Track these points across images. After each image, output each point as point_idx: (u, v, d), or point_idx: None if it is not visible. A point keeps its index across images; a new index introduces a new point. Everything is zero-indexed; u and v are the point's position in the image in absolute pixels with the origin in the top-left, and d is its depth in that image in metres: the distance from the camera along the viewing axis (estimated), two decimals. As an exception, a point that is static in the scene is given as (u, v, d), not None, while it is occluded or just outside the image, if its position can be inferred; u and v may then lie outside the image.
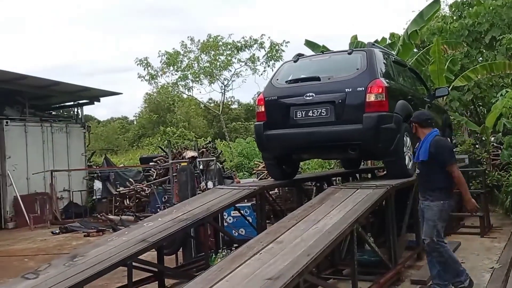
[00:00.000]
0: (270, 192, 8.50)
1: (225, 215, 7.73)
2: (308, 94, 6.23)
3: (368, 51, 6.44)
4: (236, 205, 7.09)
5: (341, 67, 6.57)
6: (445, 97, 12.16)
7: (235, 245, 6.72)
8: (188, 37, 25.75)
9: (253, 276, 3.64)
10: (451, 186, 5.01)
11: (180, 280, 5.99)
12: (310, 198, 7.86)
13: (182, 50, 24.63)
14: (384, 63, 6.58)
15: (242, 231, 8.17)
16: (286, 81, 6.70)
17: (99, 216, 13.31)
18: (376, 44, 6.96)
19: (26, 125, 14.31)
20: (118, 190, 14.77)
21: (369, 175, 9.49)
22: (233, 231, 7.98)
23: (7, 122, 13.74)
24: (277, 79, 6.86)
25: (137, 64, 24.21)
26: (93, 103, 16.86)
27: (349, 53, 6.58)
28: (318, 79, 6.37)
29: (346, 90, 6.03)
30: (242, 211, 7.90)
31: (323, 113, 6.17)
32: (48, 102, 17.05)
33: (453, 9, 15.24)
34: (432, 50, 11.58)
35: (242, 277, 3.67)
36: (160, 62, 24.42)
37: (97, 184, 15.47)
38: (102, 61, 71.43)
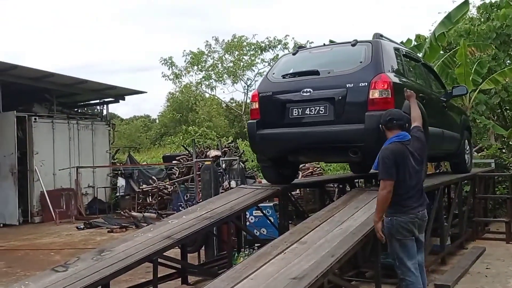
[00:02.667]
0: (292, 193, 8.51)
1: (247, 214, 7.78)
2: (305, 90, 5.66)
3: (374, 43, 5.81)
4: (258, 204, 7.13)
5: (343, 60, 5.95)
6: (471, 100, 12.03)
7: (257, 244, 6.77)
8: (212, 37, 26.02)
9: (278, 275, 3.68)
10: (401, 200, 4.25)
11: (203, 278, 6.07)
12: (332, 199, 7.87)
13: (207, 50, 24.83)
14: (392, 56, 5.94)
15: (263, 231, 8.20)
16: (282, 76, 6.11)
17: (122, 212, 13.50)
18: (384, 36, 6.24)
19: (54, 122, 14.58)
20: (141, 187, 14.97)
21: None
22: (255, 231, 8.02)
23: (35, 119, 14.05)
24: (273, 73, 6.29)
25: (162, 64, 24.50)
26: (118, 102, 17.07)
27: (353, 45, 5.89)
28: (317, 73, 5.77)
29: (347, 85, 5.45)
30: (264, 211, 7.94)
31: (321, 111, 5.61)
32: (74, 100, 17.40)
33: (481, 11, 15.02)
34: (459, 53, 11.43)
35: (266, 276, 3.71)
36: (185, 61, 24.69)
37: (121, 181, 15.72)
38: (123, 60, 72.39)
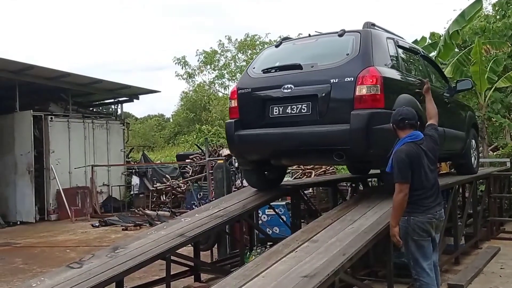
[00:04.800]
0: (305, 192, 8.50)
1: (259, 213, 7.80)
2: (286, 86, 5.15)
3: (363, 32, 5.23)
4: (271, 203, 7.15)
5: (328, 53, 5.42)
6: (486, 98, 11.88)
7: (269, 243, 6.78)
8: (225, 36, 26.12)
9: (289, 273, 3.68)
10: (418, 199, 4.16)
11: (216, 275, 6.11)
12: (345, 198, 7.85)
13: (220, 49, 24.94)
14: (384, 47, 5.36)
15: (276, 230, 8.22)
16: (262, 70, 5.58)
17: (136, 210, 13.67)
18: (377, 25, 5.66)
19: (69, 121, 14.80)
20: (155, 186, 15.14)
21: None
22: (267, 229, 8.05)
23: (51, 118, 14.27)
24: (254, 68, 5.75)
25: (175, 63, 24.66)
26: (132, 101, 17.24)
27: (340, 35, 5.32)
28: (299, 67, 5.23)
29: (332, 81, 4.91)
30: (276, 210, 7.95)
31: (304, 109, 5.09)
32: (89, 99, 17.63)
33: (496, 8, 14.82)
34: (473, 51, 11.28)
35: (278, 273, 3.73)
36: (198, 60, 24.83)
37: (135, 180, 15.91)
38: (137, 59, 72.85)
